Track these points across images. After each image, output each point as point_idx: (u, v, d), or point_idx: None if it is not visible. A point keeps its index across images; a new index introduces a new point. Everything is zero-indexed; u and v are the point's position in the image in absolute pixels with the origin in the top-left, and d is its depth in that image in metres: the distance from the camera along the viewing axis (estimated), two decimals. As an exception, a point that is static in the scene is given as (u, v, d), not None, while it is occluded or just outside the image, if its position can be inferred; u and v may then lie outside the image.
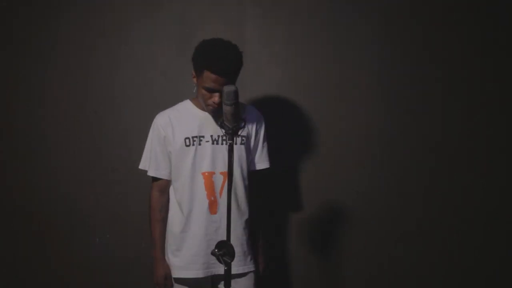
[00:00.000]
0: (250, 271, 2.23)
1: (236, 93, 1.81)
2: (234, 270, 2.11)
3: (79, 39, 2.68)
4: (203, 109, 2.16)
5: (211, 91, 2.05)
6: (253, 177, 2.27)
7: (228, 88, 1.81)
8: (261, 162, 2.30)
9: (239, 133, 1.87)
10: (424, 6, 2.68)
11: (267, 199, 2.58)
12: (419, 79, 2.68)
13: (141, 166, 2.25)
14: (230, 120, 1.83)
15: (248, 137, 2.22)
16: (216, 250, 1.81)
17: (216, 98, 2.06)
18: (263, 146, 2.29)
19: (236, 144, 2.15)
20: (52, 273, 2.67)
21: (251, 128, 2.23)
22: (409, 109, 2.68)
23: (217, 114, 2.08)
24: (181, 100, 2.24)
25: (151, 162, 2.21)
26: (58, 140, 2.68)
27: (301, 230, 2.67)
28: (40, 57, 2.68)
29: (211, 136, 2.15)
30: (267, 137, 2.30)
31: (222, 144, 2.15)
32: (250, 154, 2.25)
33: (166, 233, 2.23)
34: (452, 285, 2.68)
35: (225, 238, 2.01)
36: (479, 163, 2.68)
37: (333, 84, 2.69)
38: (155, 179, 2.22)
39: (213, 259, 1.97)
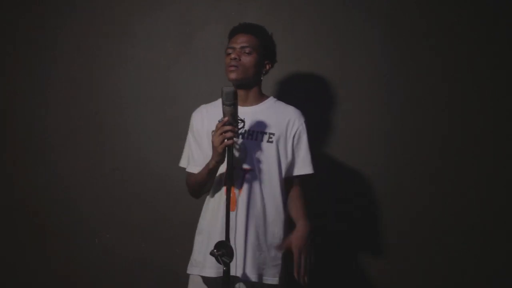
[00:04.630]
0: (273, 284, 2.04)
1: (235, 94, 1.83)
2: (255, 278, 1.98)
3: (80, 40, 2.68)
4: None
5: (230, 52, 2.08)
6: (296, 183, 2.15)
7: (227, 89, 1.83)
8: (301, 168, 2.14)
9: (238, 132, 1.89)
10: (430, 5, 2.69)
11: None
12: (424, 79, 2.68)
13: (181, 164, 2.18)
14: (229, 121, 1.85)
15: (279, 136, 2.08)
16: (215, 251, 1.80)
17: (232, 55, 2.06)
18: (304, 151, 2.14)
19: (261, 141, 2.05)
20: (51, 273, 2.67)
21: (284, 128, 2.10)
22: (413, 109, 2.68)
23: (241, 78, 2.06)
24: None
25: (188, 159, 2.14)
26: (59, 141, 2.68)
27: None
28: (41, 57, 2.69)
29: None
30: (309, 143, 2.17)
31: (247, 139, 2.05)
32: (283, 154, 2.10)
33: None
34: (452, 285, 2.67)
35: (240, 237, 1.99)
36: (483, 164, 2.67)
37: (336, 84, 2.69)
38: (187, 174, 2.14)
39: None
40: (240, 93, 2.06)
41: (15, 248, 2.69)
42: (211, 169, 1.97)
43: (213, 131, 2.00)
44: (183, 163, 2.19)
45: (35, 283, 2.68)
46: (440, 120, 2.68)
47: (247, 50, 2.07)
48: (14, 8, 2.70)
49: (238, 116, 1.88)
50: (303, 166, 2.14)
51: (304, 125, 2.14)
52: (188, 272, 2.10)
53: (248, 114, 2.05)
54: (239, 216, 2.00)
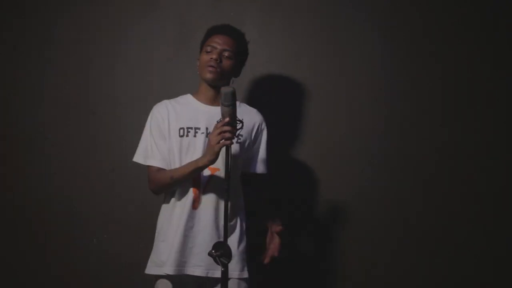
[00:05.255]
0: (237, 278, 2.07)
1: (233, 94, 1.82)
2: (207, 273, 2.02)
3: (77, 39, 2.68)
4: (203, 102, 2.12)
5: (210, 50, 2.05)
6: (252, 180, 2.23)
7: (226, 89, 1.82)
8: (262, 167, 2.21)
9: (236, 134, 1.88)
10: (430, 5, 2.68)
11: (268, 200, 2.59)
12: (424, 79, 2.68)
13: (135, 159, 2.12)
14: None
15: (245, 137, 2.13)
16: (213, 251, 1.79)
17: (214, 55, 2.03)
18: (264, 151, 2.22)
19: None
20: (49, 273, 2.66)
21: (250, 129, 2.15)
22: (413, 109, 2.68)
23: (216, 80, 2.05)
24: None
25: (146, 152, 2.09)
26: (55, 141, 2.67)
27: (300, 231, 2.67)
28: (38, 57, 2.68)
29: (207, 128, 2.06)
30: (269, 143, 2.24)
31: None
32: (247, 154, 2.16)
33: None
34: (452, 285, 2.67)
35: (203, 236, 2.01)
36: (483, 164, 2.67)
37: (334, 84, 2.69)
38: (150, 168, 2.10)
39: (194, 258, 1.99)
40: (210, 93, 2.11)
41: (12, 247, 2.68)
42: (199, 167, 1.97)
43: (181, 128, 2.05)
44: (139, 158, 2.11)
45: (34, 283, 2.67)
46: (440, 120, 2.68)
47: (227, 54, 2.06)
48: (14, 8, 2.70)
49: (237, 117, 1.87)
50: (264, 166, 2.21)
51: (266, 127, 2.22)
52: (155, 273, 2.08)
53: (216, 114, 1.99)
54: (203, 215, 2.03)
